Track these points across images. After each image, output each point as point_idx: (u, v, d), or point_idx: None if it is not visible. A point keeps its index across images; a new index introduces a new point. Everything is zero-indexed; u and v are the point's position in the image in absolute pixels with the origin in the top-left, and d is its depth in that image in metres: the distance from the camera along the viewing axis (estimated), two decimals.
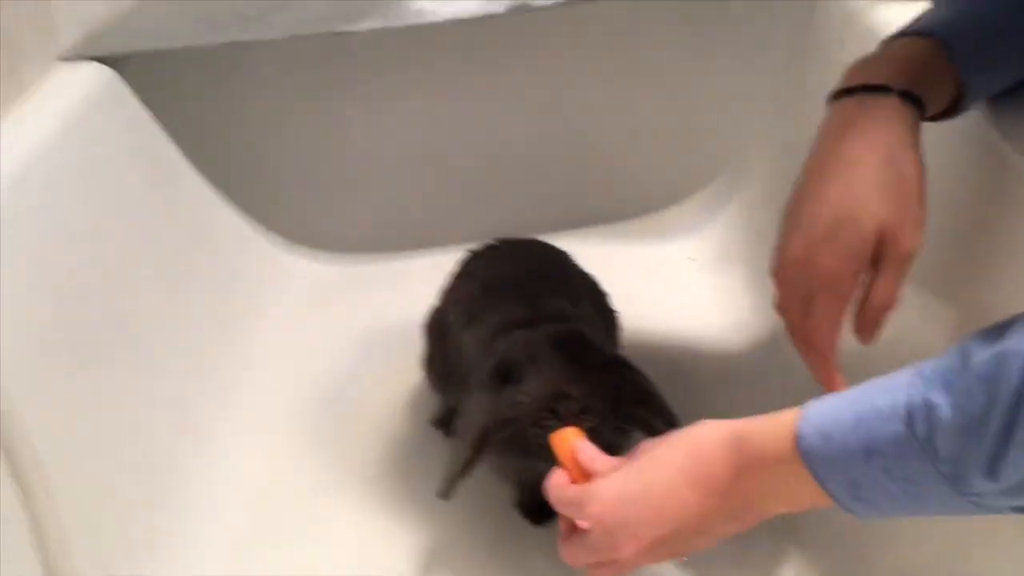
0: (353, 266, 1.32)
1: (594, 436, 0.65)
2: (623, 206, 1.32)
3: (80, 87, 0.98)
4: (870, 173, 0.62)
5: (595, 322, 0.88)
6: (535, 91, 1.28)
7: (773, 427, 0.50)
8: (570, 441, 0.64)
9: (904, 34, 0.68)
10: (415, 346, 0.97)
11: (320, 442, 1.00)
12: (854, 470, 0.45)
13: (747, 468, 0.51)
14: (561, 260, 0.95)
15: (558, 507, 0.61)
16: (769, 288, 1.07)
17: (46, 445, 0.69)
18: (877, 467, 0.44)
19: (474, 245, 0.98)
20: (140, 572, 0.79)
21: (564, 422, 0.67)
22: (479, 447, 0.72)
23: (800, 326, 0.66)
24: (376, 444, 0.98)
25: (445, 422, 0.96)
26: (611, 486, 0.57)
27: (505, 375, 0.73)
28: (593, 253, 0.86)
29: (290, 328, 1.18)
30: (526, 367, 0.71)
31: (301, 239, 1.34)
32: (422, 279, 1.00)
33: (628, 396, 0.72)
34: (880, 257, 0.62)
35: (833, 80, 0.68)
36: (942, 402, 0.42)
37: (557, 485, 0.61)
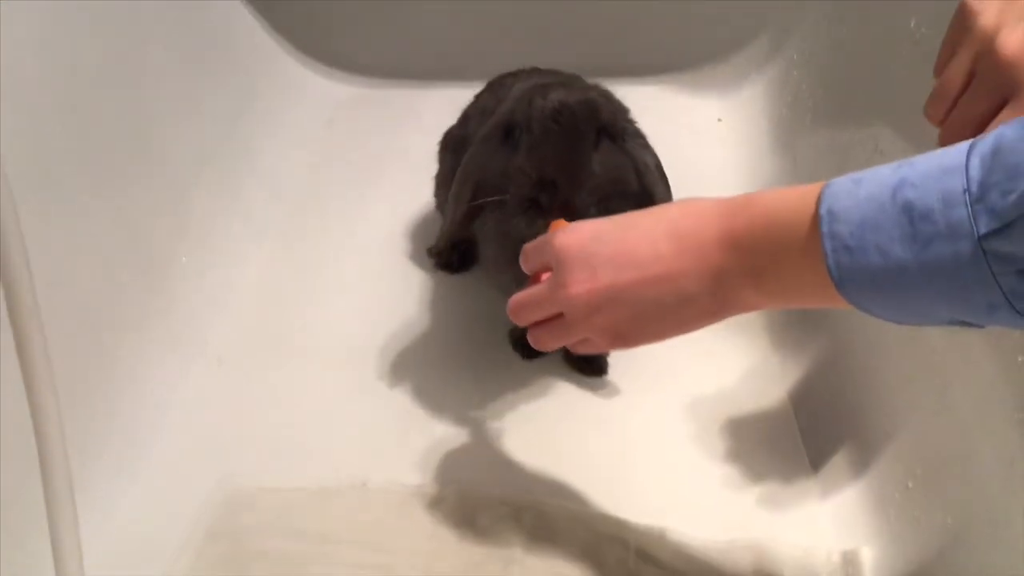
0: (369, 88, 1.29)
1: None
2: (658, 59, 1.27)
3: None
4: None
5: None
6: None
7: (801, 188, 0.43)
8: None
9: None
10: (422, 170, 0.96)
11: (315, 253, 1.00)
12: (870, 212, 0.39)
13: (747, 228, 0.45)
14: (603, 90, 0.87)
15: (528, 255, 0.56)
16: (795, 155, 1.04)
17: (42, 234, 0.69)
18: (896, 218, 0.38)
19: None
20: (132, 370, 0.80)
21: (548, 215, 0.64)
22: (470, 207, 0.70)
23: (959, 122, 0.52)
24: (371, 259, 0.98)
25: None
26: (589, 223, 0.52)
27: (507, 133, 0.69)
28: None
29: (298, 141, 1.16)
30: (523, 135, 0.66)
31: (319, 56, 1.29)
32: (439, 108, 0.97)
33: (623, 182, 0.67)
34: None
35: None
36: (1011, 132, 0.36)
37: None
